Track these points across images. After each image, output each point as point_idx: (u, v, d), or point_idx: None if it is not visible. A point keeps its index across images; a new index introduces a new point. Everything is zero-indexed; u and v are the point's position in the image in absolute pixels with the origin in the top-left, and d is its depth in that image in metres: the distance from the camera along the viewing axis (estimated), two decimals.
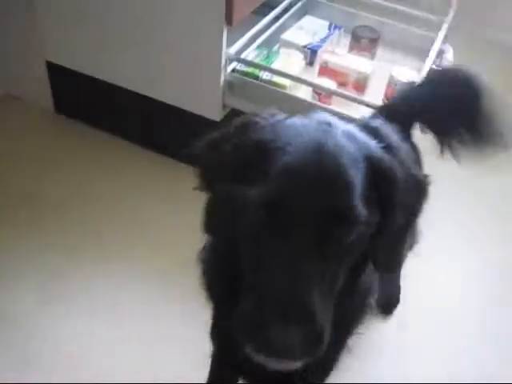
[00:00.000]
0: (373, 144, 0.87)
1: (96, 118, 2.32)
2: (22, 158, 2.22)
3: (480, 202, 2.33)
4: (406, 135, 1.39)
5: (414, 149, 1.41)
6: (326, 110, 1.86)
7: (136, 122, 2.23)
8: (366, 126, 0.91)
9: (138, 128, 2.25)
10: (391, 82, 1.99)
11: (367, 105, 1.84)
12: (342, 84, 2.10)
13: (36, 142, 2.32)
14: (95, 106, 2.29)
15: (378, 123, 0.94)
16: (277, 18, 2.26)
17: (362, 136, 0.87)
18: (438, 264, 2.03)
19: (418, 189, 0.91)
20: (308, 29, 2.29)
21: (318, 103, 1.93)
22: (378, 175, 0.84)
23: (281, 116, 0.90)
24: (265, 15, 2.17)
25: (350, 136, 0.85)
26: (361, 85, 2.08)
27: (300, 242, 0.77)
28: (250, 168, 0.84)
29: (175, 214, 2.04)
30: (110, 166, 2.23)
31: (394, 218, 0.86)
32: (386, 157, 0.86)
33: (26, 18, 2.14)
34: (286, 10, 2.34)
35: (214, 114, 2.02)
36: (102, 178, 2.19)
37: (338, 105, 1.94)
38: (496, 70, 3.11)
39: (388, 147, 0.88)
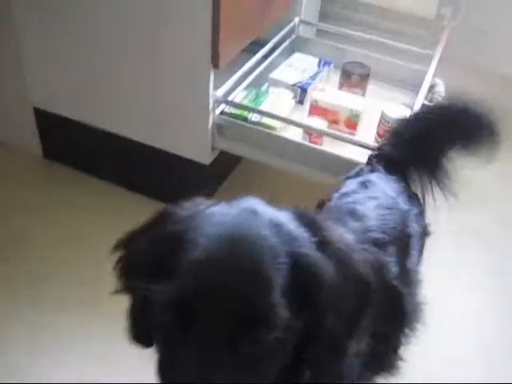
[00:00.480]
0: (302, 238, 0.76)
1: (85, 162, 2.28)
2: (10, 203, 2.18)
3: None
4: (405, 184, 1.34)
5: (415, 200, 1.35)
6: (317, 150, 1.83)
7: (126, 167, 2.20)
8: (302, 216, 0.80)
9: (128, 173, 2.22)
10: (383, 119, 1.95)
11: (359, 144, 1.80)
12: (333, 122, 2.06)
13: (24, 187, 2.28)
14: (84, 150, 2.25)
15: (315, 214, 0.85)
16: (265, 57, 2.23)
17: (292, 228, 0.76)
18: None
19: (361, 293, 0.79)
20: (297, 66, 2.26)
21: (309, 144, 1.88)
22: (301, 273, 0.73)
23: (204, 205, 0.81)
24: (254, 53, 2.15)
25: (276, 227, 0.75)
26: (352, 123, 2.05)
27: (210, 346, 0.69)
28: (164, 263, 0.75)
29: None
30: (100, 212, 2.19)
31: (325, 324, 0.75)
32: (313, 253, 0.75)
33: (13, 64, 2.12)
34: (274, 48, 2.31)
35: (204, 157, 1.99)
36: (92, 224, 2.14)
37: (329, 144, 1.90)
38: (490, 99, 3.12)
39: (323, 242, 0.77)
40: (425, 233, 1.35)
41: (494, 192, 2.52)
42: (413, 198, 1.34)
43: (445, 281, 2.04)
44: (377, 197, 1.22)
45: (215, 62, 1.74)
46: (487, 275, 2.13)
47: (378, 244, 1.10)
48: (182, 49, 1.79)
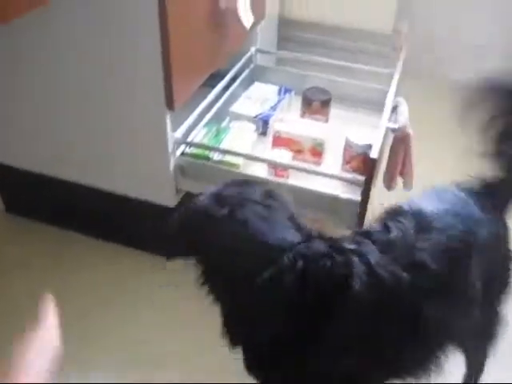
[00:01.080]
0: None
1: (49, 213, 2.22)
2: None
3: None
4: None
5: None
6: (282, 185, 1.78)
7: (92, 216, 2.13)
8: None
9: (94, 221, 2.15)
10: (348, 145, 1.91)
11: (324, 175, 1.75)
12: (298, 152, 2.02)
13: None
14: (46, 202, 2.19)
15: None
16: (225, 89, 2.19)
17: None
18: None
19: None
20: (257, 97, 2.22)
21: (274, 178, 1.83)
22: None
23: None
24: (212, 86, 2.10)
25: None
26: (317, 151, 2.01)
27: None
28: None
29: (136, 306, 1.96)
30: (67, 262, 2.14)
31: None
32: None
33: None
34: (233, 79, 2.27)
35: (168, 200, 1.94)
36: (59, 276, 2.08)
37: (295, 177, 1.85)
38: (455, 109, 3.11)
39: None
40: None
41: None
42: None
43: None
44: None
45: (170, 105, 1.69)
46: None
47: None
48: (136, 94, 1.74)
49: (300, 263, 1.08)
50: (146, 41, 1.60)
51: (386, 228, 1.23)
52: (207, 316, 1.20)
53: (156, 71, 1.63)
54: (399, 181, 2.11)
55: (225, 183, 1.21)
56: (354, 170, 1.95)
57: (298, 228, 1.17)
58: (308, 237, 1.15)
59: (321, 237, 1.18)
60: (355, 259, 1.13)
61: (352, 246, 1.17)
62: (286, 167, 1.83)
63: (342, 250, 1.15)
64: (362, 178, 1.69)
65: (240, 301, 1.13)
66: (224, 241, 1.11)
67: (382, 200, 2.08)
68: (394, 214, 1.27)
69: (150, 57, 1.61)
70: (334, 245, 1.16)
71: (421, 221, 1.23)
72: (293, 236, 1.14)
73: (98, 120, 1.85)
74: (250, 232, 1.10)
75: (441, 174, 2.59)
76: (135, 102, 1.75)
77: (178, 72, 1.65)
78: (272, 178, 1.85)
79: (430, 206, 1.28)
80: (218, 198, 1.14)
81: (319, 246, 1.14)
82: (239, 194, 1.16)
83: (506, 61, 3.20)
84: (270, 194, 1.21)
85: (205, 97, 2.01)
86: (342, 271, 1.11)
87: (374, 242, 1.19)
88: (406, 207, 1.28)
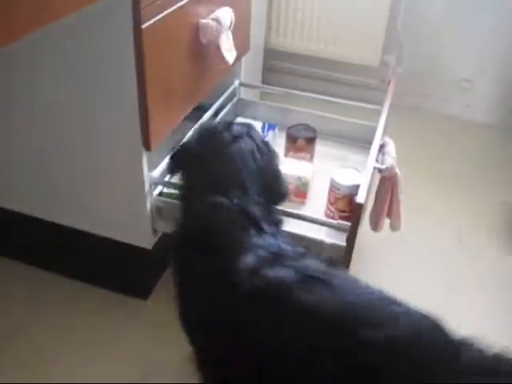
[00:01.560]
0: None
1: (26, 254, 2.11)
2: None
3: None
4: None
5: None
6: None
7: (68, 256, 2.03)
8: None
9: (70, 262, 2.05)
10: (333, 186, 1.83)
11: (308, 220, 1.67)
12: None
13: None
14: (23, 242, 2.09)
15: None
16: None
17: None
18: None
19: None
20: None
21: None
22: None
23: None
24: (194, 120, 2.01)
25: None
26: (301, 191, 1.93)
27: None
28: None
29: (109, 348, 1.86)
30: (45, 305, 2.03)
31: None
32: None
33: None
34: (216, 114, 2.19)
35: (145, 241, 1.85)
36: (38, 319, 1.99)
37: None
38: (443, 143, 3.07)
39: None
40: None
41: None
42: None
43: None
44: None
45: (147, 145, 1.60)
46: None
47: None
48: (112, 134, 1.66)
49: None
50: (121, 78, 1.52)
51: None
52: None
53: (132, 111, 1.54)
54: (386, 222, 2.03)
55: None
56: (340, 211, 1.86)
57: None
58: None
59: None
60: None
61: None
62: None
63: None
64: (347, 224, 1.61)
65: None
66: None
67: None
68: None
69: (125, 96, 1.53)
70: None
71: None
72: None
73: (75, 158, 1.77)
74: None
75: (429, 215, 2.54)
76: (111, 142, 1.67)
77: (154, 111, 1.56)
78: None
79: None
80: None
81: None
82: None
83: (492, 96, 3.18)
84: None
85: (185, 132, 1.92)
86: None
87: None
88: None
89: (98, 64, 1.57)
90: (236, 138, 1.45)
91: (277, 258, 1.20)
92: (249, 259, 1.18)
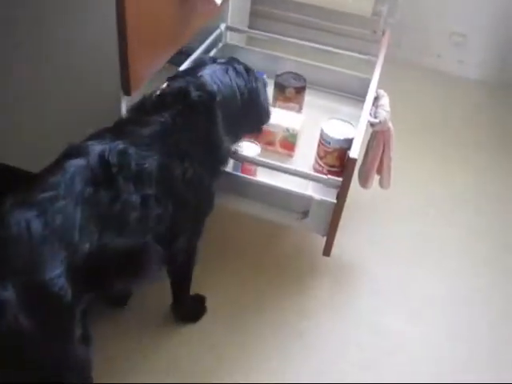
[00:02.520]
0: None
1: None
2: None
3: None
4: None
5: None
6: (250, 181, 1.60)
7: None
8: None
9: None
10: (323, 139, 1.73)
11: (296, 174, 1.58)
12: (268, 144, 1.84)
13: None
14: None
15: None
16: None
17: None
18: None
19: None
20: None
21: (241, 174, 1.64)
22: None
23: None
24: (177, 65, 1.88)
25: None
26: (289, 143, 1.83)
27: None
28: None
29: None
30: None
31: None
32: None
33: None
34: None
35: None
36: None
37: (264, 173, 1.67)
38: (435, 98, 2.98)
39: None
40: None
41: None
42: None
43: None
44: None
45: (126, 90, 1.48)
46: None
47: None
48: (90, 76, 1.53)
49: None
50: (100, 18, 1.39)
51: None
52: None
53: (110, 51, 1.41)
54: (375, 179, 1.95)
55: None
56: (329, 166, 1.77)
57: None
58: None
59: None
60: None
61: None
62: (253, 163, 1.64)
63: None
64: (339, 180, 1.51)
65: None
66: None
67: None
68: None
69: (104, 36, 1.40)
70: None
71: None
72: None
73: (50, 104, 1.63)
74: None
75: (420, 173, 2.46)
76: (89, 83, 1.54)
77: (134, 53, 1.44)
78: (238, 173, 1.65)
79: None
80: None
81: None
82: None
83: (485, 52, 3.08)
84: None
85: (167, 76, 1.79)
86: None
87: None
88: None
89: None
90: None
91: None
92: None
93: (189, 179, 1.32)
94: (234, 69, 1.51)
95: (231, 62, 1.54)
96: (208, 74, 1.45)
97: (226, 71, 1.49)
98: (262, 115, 1.61)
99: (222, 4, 1.79)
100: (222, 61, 1.55)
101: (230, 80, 1.47)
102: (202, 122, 1.38)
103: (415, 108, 2.84)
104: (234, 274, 1.90)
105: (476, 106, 2.97)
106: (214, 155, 1.43)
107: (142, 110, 1.37)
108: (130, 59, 1.44)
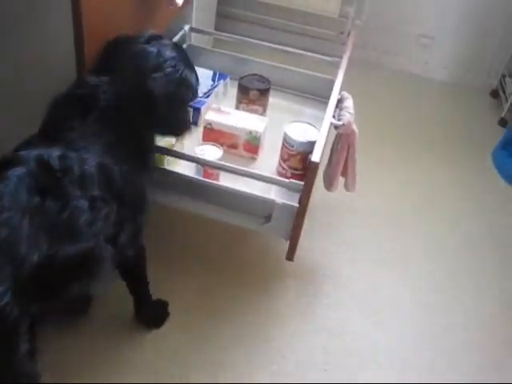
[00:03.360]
0: None
1: None
2: None
3: None
4: None
5: None
6: (212, 186, 1.58)
7: None
8: None
9: None
10: (286, 142, 1.72)
11: (259, 178, 1.56)
12: (231, 147, 1.82)
13: None
14: None
15: None
16: None
17: None
18: None
19: None
20: None
21: (200, 179, 1.62)
22: None
23: None
24: None
25: None
26: (253, 146, 1.81)
27: None
28: None
29: None
30: None
31: None
32: None
33: None
34: None
35: None
36: None
37: (227, 176, 1.64)
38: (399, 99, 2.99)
39: None
40: None
41: None
42: None
43: None
44: None
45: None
46: None
47: None
48: (48, 74, 1.48)
49: None
50: (56, 19, 1.34)
51: None
52: None
53: (67, 54, 1.37)
54: (341, 182, 1.94)
55: None
56: (293, 169, 1.75)
57: None
58: None
59: None
60: None
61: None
62: (215, 167, 1.61)
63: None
64: (300, 183, 1.49)
65: None
66: None
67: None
68: None
69: (61, 38, 1.36)
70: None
71: None
72: None
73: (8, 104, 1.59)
74: None
75: (385, 175, 2.47)
76: (46, 85, 1.49)
77: (92, 54, 1.40)
78: (200, 177, 1.63)
79: None
80: None
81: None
82: None
83: (451, 54, 3.10)
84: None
85: None
86: None
87: None
88: None
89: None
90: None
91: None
92: None
93: (124, 177, 1.29)
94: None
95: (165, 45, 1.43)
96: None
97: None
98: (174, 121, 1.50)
99: (183, 5, 1.76)
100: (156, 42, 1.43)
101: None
102: (121, 121, 1.33)
103: (381, 109, 2.85)
104: (197, 279, 1.88)
105: (441, 107, 2.98)
106: (143, 152, 1.41)
107: (60, 116, 1.31)
108: (86, 60, 1.41)
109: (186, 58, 1.47)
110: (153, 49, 1.38)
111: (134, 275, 1.59)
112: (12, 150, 1.21)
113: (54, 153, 1.17)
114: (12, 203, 1.07)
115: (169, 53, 1.40)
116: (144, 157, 1.43)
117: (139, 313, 1.67)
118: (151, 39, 1.42)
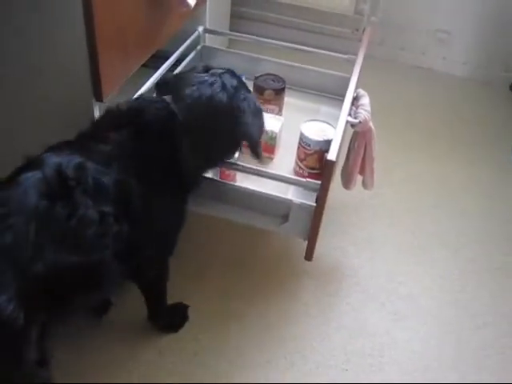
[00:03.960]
0: None
1: None
2: None
3: None
4: None
5: None
6: (229, 186, 1.57)
7: None
8: None
9: None
10: (302, 141, 1.71)
11: (275, 178, 1.55)
12: (247, 147, 1.79)
13: None
14: None
15: None
16: (170, 71, 1.94)
17: None
18: None
19: None
20: None
21: (220, 180, 1.61)
22: None
23: None
24: (157, 68, 1.85)
25: None
26: (269, 146, 1.80)
27: None
28: None
29: None
30: None
31: None
32: None
33: None
34: (178, 62, 2.02)
35: None
36: None
37: (243, 177, 1.64)
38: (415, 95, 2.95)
39: None
40: None
41: None
42: None
43: None
44: None
45: (98, 96, 1.44)
46: None
47: None
48: (61, 83, 1.49)
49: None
50: (68, 20, 1.35)
51: None
52: None
53: (81, 56, 1.37)
54: (359, 180, 1.92)
55: None
56: (310, 168, 1.74)
57: None
58: None
59: None
60: None
61: None
62: (232, 168, 1.61)
63: None
64: (317, 183, 1.48)
65: None
66: None
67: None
68: None
69: (73, 40, 1.36)
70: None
71: None
72: None
73: (21, 109, 1.59)
74: None
75: (404, 172, 2.44)
76: (61, 90, 1.50)
77: (106, 57, 1.41)
78: (217, 178, 1.63)
79: None
80: None
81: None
82: None
83: (468, 49, 3.06)
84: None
85: (145, 81, 1.76)
86: None
87: None
88: None
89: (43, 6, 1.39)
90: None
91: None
92: None
93: (146, 199, 1.26)
94: (222, 85, 1.41)
95: (222, 74, 1.44)
96: (189, 93, 1.38)
97: (211, 86, 1.40)
98: (245, 138, 1.50)
99: (196, 6, 1.76)
100: (215, 71, 1.46)
101: (211, 99, 1.38)
102: (161, 143, 1.31)
103: (399, 106, 2.82)
104: (214, 281, 1.87)
105: (460, 102, 2.95)
106: (178, 179, 1.37)
107: (102, 124, 1.32)
108: (100, 64, 1.41)
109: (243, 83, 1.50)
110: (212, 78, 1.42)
111: (151, 290, 1.59)
112: (39, 153, 1.20)
113: (73, 161, 1.16)
114: (19, 208, 1.06)
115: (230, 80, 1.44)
116: (183, 185, 1.40)
117: (153, 320, 1.66)
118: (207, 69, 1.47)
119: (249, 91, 1.49)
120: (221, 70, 1.45)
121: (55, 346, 1.25)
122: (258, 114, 1.48)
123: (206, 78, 1.41)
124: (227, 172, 1.66)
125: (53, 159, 1.15)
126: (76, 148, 1.21)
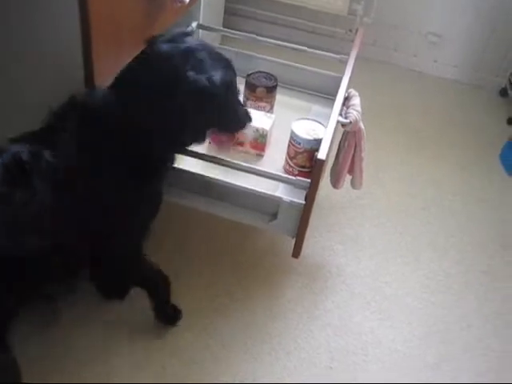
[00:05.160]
0: None
1: None
2: None
3: None
4: None
5: None
6: (218, 183, 1.57)
7: None
8: None
9: None
10: (293, 140, 1.71)
11: (265, 175, 1.55)
12: (238, 144, 1.81)
13: None
14: None
15: None
16: None
17: None
18: None
19: None
20: None
21: (207, 175, 1.62)
22: None
23: None
24: None
25: None
26: (260, 143, 1.81)
27: None
28: None
29: None
30: None
31: None
32: None
33: None
34: None
35: None
36: None
37: (233, 174, 1.64)
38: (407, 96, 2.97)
39: None
40: None
41: None
42: None
43: None
44: None
45: (90, 85, 1.43)
46: None
47: None
48: (52, 70, 1.48)
49: None
50: (62, 9, 1.34)
51: None
52: None
53: (74, 45, 1.37)
54: (347, 179, 1.94)
55: None
56: (299, 167, 1.75)
57: None
58: None
59: None
60: None
61: None
62: (220, 164, 1.61)
63: None
64: (307, 181, 1.49)
65: None
66: None
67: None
68: None
69: (67, 29, 1.36)
70: None
71: None
72: None
73: (13, 99, 1.58)
74: None
75: (393, 172, 2.46)
76: (52, 78, 1.49)
77: (99, 47, 1.40)
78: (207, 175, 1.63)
79: None
80: None
81: None
82: None
83: (459, 52, 3.08)
84: None
85: None
86: None
87: None
88: None
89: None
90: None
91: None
92: None
93: (107, 185, 1.27)
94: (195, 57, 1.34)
95: (196, 47, 1.37)
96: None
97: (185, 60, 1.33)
98: (228, 120, 1.51)
99: (190, 2, 1.76)
100: (188, 44, 1.37)
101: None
102: (111, 128, 1.30)
103: (389, 107, 2.84)
104: (200, 276, 1.88)
105: (451, 105, 2.97)
106: (136, 163, 1.34)
107: (61, 114, 1.32)
108: (93, 56, 1.41)
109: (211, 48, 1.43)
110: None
111: (158, 297, 1.65)
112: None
113: (30, 148, 1.18)
114: None
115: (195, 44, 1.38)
116: (147, 169, 1.39)
117: (155, 311, 1.69)
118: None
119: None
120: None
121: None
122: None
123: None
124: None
125: (14, 147, 1.19)
126: (36, 138, 1.25)
